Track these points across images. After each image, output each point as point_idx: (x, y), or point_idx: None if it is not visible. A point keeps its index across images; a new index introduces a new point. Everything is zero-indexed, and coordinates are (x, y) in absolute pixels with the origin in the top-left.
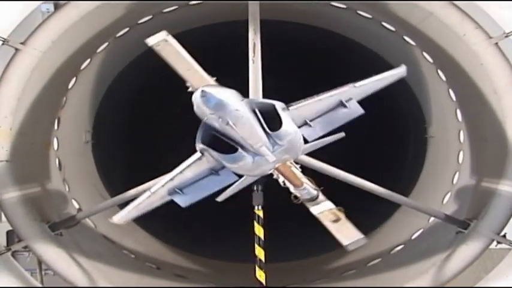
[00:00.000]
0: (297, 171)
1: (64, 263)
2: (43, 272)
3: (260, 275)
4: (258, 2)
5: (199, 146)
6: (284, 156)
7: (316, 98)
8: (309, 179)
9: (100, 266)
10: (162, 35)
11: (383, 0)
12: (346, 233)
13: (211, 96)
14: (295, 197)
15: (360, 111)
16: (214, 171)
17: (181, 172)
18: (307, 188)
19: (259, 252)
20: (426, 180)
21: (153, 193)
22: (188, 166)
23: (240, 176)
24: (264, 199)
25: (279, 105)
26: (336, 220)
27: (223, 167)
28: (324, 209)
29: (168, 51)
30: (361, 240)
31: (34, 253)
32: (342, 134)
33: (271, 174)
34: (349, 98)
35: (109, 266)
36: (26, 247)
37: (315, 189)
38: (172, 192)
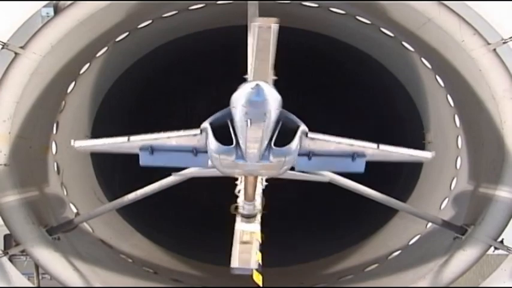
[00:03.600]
0: (260, 188)
1: (61, 267)
2: (40, 276)
3: (257, 278)
4: (256, 2)
5: (205, 124)
6: (261, 171)
7: (337, 140)
8: (262, 199)
9: (97, 270)
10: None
11: (376, 0)
12: (244, 257)
13: (263, 94)
14: (236, 207)
15: (360, 170)
16: (195, 151)
17: (168, 137)
18: (253, 205)
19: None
20: (424, 185)
21: (129, 140)
22: (179, 136)
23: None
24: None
25: (302, 129)
26: (247, 242)
27: (205, 152)
28: (247, 229)
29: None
30: (248, 270)
31: (31, 257)
32: (326, 179)
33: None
34: (362, 154)
35: (106, 271)
36: (23, 251)
37: (259, 210)
38: (144, 147)
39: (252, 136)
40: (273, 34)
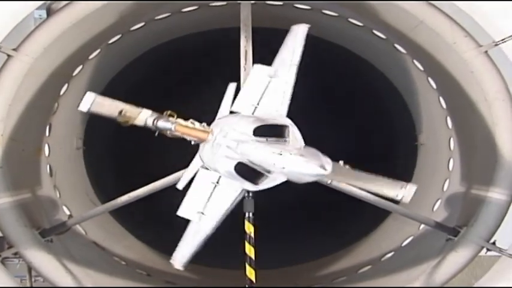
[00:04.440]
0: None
1: (54, 270)
2: (33, 279)
3: (250, 273)
4: (249, 2)
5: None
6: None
7: None
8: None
9: (90, 273)
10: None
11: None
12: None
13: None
14: (173, 116)
15: None
16: None
17: None
18: (169, 131)
19: (250, 251)
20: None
21: None
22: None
23: None
24: (254, 206)
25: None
26: (120, 117)
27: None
28: (140, 119)
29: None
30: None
31: (24, 260)
32: None
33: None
34: None
35: (99, 273)
36: (16, 254)
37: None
38: None
39: (259, 159)
40: None
